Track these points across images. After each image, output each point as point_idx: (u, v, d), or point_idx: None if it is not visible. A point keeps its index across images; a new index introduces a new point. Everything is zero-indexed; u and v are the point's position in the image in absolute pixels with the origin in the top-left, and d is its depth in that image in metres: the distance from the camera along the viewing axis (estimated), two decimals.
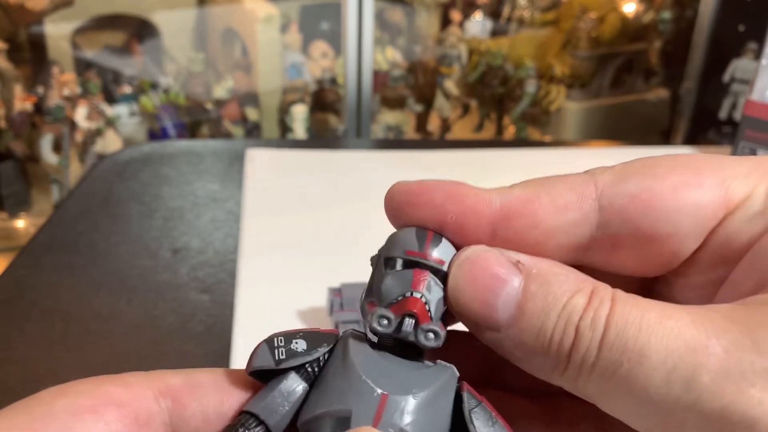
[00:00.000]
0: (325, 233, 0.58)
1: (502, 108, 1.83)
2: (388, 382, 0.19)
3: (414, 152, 0.77)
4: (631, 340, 0.16)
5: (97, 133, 1.56)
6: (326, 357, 0.20)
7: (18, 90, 1.57)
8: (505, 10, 1.85)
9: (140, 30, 1.68)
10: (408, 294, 0.20)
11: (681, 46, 1.72)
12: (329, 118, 1.72)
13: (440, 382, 0.19)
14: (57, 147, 1.58)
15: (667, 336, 0.16)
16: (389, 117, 1.77)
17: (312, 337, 0.20)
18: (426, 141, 1.59)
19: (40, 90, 1.58)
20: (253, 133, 1.74)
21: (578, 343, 0.17)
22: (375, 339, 0.20)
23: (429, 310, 0.20)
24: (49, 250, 0.58)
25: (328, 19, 1.72)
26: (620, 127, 1.80)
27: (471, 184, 0.21)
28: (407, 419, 0.18)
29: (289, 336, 0.20)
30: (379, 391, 0.18)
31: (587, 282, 0.18)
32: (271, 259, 0.54)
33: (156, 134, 1.64)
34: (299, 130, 1.69)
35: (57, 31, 1.59)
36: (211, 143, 0.96)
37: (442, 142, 1.54)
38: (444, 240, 0.21)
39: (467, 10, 1.85)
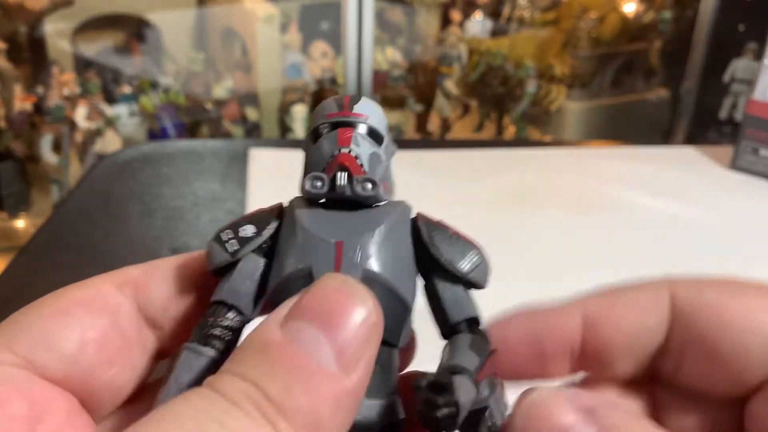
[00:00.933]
0: None
1: (503, 108, 1.82)
2: (339, 231, 0.18)
3: (414, 152, 0.77)
4: None
5: (97, 133, 1.56)
6: (277, 230, 0.19)
7: (18, 90, 1.57)
8: (506, 10, 1.85)
9: (140, 30, 1.68)
10: (336, 152, 0.19)
11: (681, 45, 1.72)
12: None
13: (393, 217, 0.19)
14: (57, 147, 1.58)
15: None
16: (389, 117, 1.75)
17: (257, 218, 0.20)
18: (426, 141, 1.59)
19: (40, 90, 1.58)
20: (253, 133, 1.73)
21: None
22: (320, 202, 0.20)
23: (361, 164, 0.19)
24: (49, 250, 0.57)
25: (328, 18, 1.72)
26: (620, 126, 1.80)
27: (541, 306, 0.20)
28: (367, 258, 0.18)
29: (235, 225, 0.20)
30: (333, 240, 0.18)
31: None
32: None
33: (156, 134, 1.64)
34: (299, 130, 1.69)
35: (57, 30, 1.59)
36: (211, 143, 0.96)
37: (442, 142, 1.54)
38: (363, 97, 0.20)
39: (467, 10, 1.84)
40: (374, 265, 0.18)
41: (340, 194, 0.19)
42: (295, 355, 0.15)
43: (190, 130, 1.68)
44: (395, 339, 0.18)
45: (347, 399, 0.15)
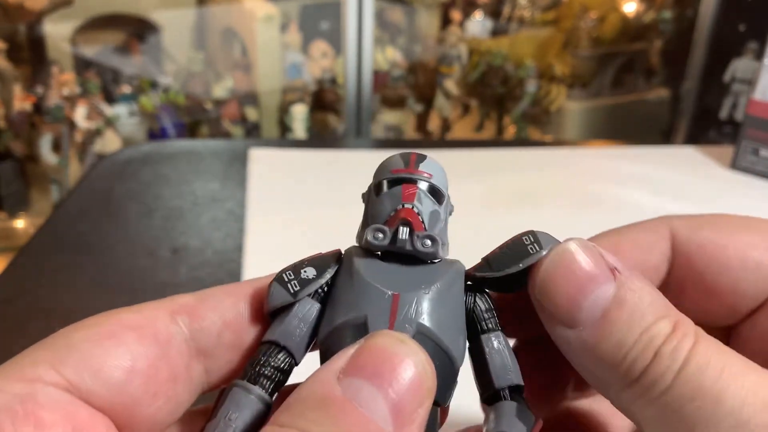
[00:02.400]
0: (329, 232, 0.58)
1: (503, 108, 1.82)
2: (397, 284, 0.19)
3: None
4: (709, 380, 0.16)
5: (97, 133, 1.56)
6: (334, 276, 0.20)
7: (17, 90, 1.56)
8: (506, 10, 1.85)
9: (140, 29, 1.67)
10: (399, 207, 0.20)
11: (682, 45, 1.72)
12: (329, 118, 1.72)
13: (449, 275, 0.19)
14: (56, 147, 1.58)
15: (746, 388, 0.16)
16: (389, 117, 1.77)
17: (318, 261, 0.20)
18: (426, 141, 1.59)
19: (40, 90, 1.58)
20: (253, 133, 1.73)
21: (654, 367, 0.17)
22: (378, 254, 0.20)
23: (423, 221, 0.20)
24: (49, 250, 0.57)
25: (328, 18, 1.72)
26: (621, 126, 1.80)
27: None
28: (422, 314, 0.18)
29: (296, 267, 0.20)
30: (390, 292, 0.18)
31: (674, 311, 0.18)
32: (275, 257, 0.54)
33: (155, 134, 1.64)
34: (299, 130, 1.69)
35: (56, 30, 1.59)
36: (211, 143, 0.96)
37: (442, 141, 1.53)
38: (428, 157, 0.21)
39: (467, 10, 1.84)
40: (428, 321, 0.18)
41: (401, 248, 0.19)
42: (357, 414, 0.15)
43: (189, 130, 1.68)
44: (442, 398, 0.18)
45: None
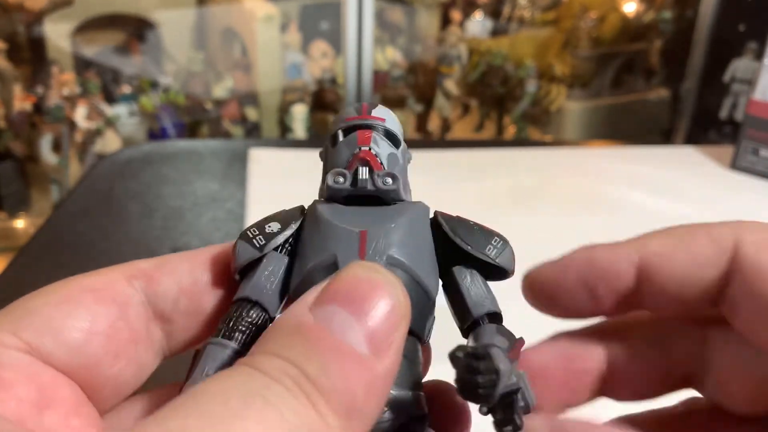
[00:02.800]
0: None
1: (503, 108, 1.82)
2: (363, 222, 0.19)
3: (414, 152, 0.76)
4: None
5: (97, 133, 1.56)
6: (300, 228, 0.20)
7: (17, 90, 1.56)
8: (506, 10, 1.85)
9: (140, 29, 1.67)
10: (356, 151, 0.20)
11: (681, 45, 1.72)
12: (329, 118, 1.72)
13: (413, 212, 0.19)
14: (56, 147, 1.58)
15: None
16: None
17: (282, 216, 0.20)
18: (426, 141, 1.59)
19: (40, 90, 1.58)
20: (253, 133, 1.73)
21: None
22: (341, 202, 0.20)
23: (381, 162, 0.20)
24: (49, 251, 0.57)
25: (327, 18, 1.72)
26: (621, 126, 1.80)
27: (602, 244, 0.20)
28: (391, 246, 0.18)
29: (260, 224, 0.20)
30: (357, 230, 0.18)
31: None
32: None
33: (155, 134, 1.64)
34: (299, 130, 1.69)
35: (56, 30, 1.59)
36: (211, 143, 0.96)
37: (442, 142, 1.53)
38: (380, 104, 0.21)
39: (467, 10, 1.84)
40: (398, 253, 0.18)
41: (362, 188, 0.19)
42: (330, 337, 0.15)
43: (189, 130, 1.68)
44: (420, 330, 0.18)
45: (380, 383, 0.15)
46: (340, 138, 0.20)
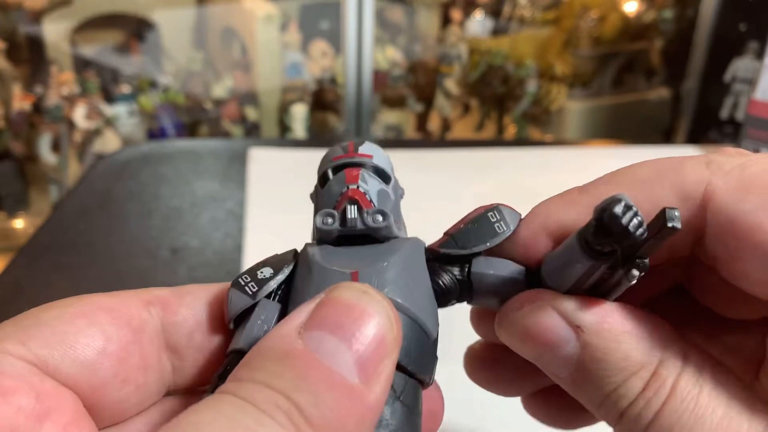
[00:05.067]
0: None
1: (503, 107, 1.82)
2: (354, 263, 0.18)
3: (414, 152, 0.76)
4: None
5: (96, 132, 1.55)
6: (293, 272, 0.19)
7: (16, 89, 1.56)
8: (506, 9, 1.84)
9: (139, 29, 1.67)
10: (344, 190, 0.19)
11: (682, 45, 1.72)
12: (329, 118, 1.72)
13: (407, 248, 0.19)
14: (56, 147, 1.57)
15: None
16: (389, 116, 1.77)
17: (274, 261, 0.20)
18: (426, 140, 1.59)
19: (39, 89, 1.57)
20: (253, 132, 1.73)
21: (623, 423, 0.17)
22: (332, 245, 0.19)
23: (370, 200, 0.19)
24: (48, 250, 0.57)
25: (327, 18, 1.72)
26: (621, 126, 1.79)
27: (555, 199, 0.20)
28: (385, 285, 0.18)
29: (252, 270, 0.19)
30: (348, 270, 0.18)
31: (655, 356, 0.17)
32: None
33: (155, 134, 1.63)
34: (299, 130, 1.69)
35: (55, 30, 1.58)
36: (211, 143, 0.95)
37: (442, 141, 1.53)
38: (367, 141, 0.21)
39: (468, 9, 1.84)
40: (392, 293, 0.17)
41: (352, 227, 0.19)
42: (320, 366, 0.14)
43: (189, 130, 1.68)
44: (420, 369, 0.17)
45: (369, 415, 0.14)
46: (330, 177, 0.20)
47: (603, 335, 0.17)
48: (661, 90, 1.85)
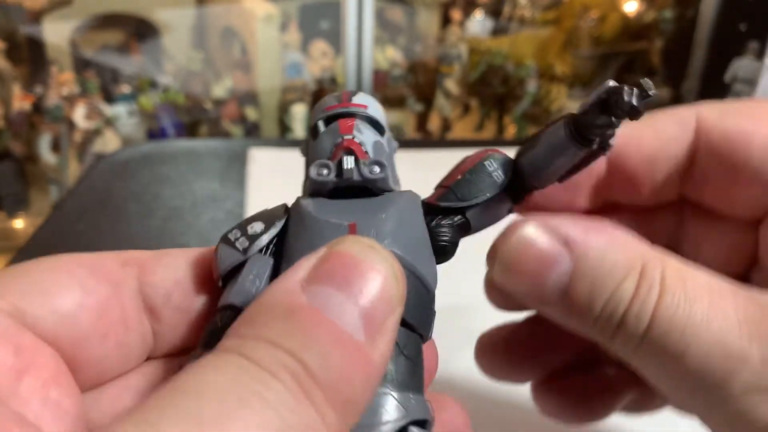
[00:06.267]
0: None
1: (503, 107, 1.82)
2: (351, 215, 0.17)
3: (414, 152, 0.76)
4: (673, 340, 0.16)
5: (96, 132, 1.55)
6: (285, 226, 0.18)
7: (16, 89, 1.56)
8: (506, 9, 1.84)
9: (139, 29, 1.67)
10: (339, 140, 0.19)
11: (682, 45, 1.72)
12: None
13: (404, 200, 0.18)
14: (55, 147, 1.57)
15: (708, 341, 0.16)
16: (389, 116, 1.76)
17: (265, 215, 0.19)
18: (426, 140, 1.59)
19: (39, 89, 1.57)
20: (253, 132, 1.73)
21: (623, 329, 0.17)
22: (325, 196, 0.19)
23: (366, 150, 0.19)
24: (48, 250, 0.57)
25: (327, 18, 1.71)
26: None
27: None
28: (384, 238, 0.17)
29: (242, 225, 0.19)
30: (345, 223, 0.17)
31: (638, 259, 0.17)
32: None
33: (155, 134, 1.63)
34: (299, 130, 1.69)
35: (55, 30, 1.58)
36: (211, 143, 0.95)
37: (442, 141, 1.53)
38: (361, 91, 0.20)
39: (468, 9, 1.84)
40: (392, 245, 0.17)
41: (348, 178, 0.18)
42: (327, 323, 0.14)
43: (189, 130, 1.68)
44: (419, 323, 0.17)
45: (375, 373, 0.14)
46: (321, 129, 0.19)
47: (592, 245, 0.18)
48: (661, 90, 1.85)
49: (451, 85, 1.80)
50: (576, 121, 0.17)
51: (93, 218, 0.62)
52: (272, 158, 0.74)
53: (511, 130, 1.83)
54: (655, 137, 0.20)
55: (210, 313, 0.19)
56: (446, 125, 1.85)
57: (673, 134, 0.20)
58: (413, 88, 1.80)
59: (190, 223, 0.61)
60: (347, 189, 0.19)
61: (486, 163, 0.19)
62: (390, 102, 1.76)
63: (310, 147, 0.20)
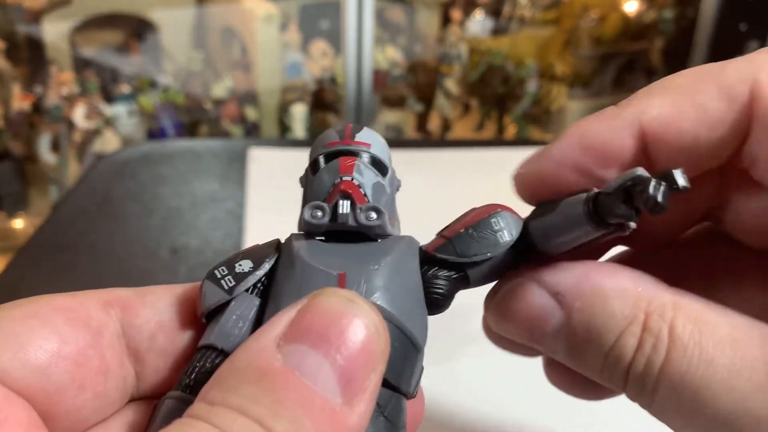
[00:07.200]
0: None
1: (503, 107, 1.82)
2: (343, 263, 0.17)
3: (414, 152, 0.76)
4: (686, 401, 0.15)
5: (96, 132, 1.55)
6: (275, 265, 0.18)
7: (16, 89, 1.56)
8: (506, 9, 1.84)
9: (139, 29, 1.67)
10: (337, 180, 0.18)
11: (683, 45, 1.72)
12: (329, 118, 1.72)
13: (400, 249, 0.18)
14: (55, 147, 1.57)
15: (729, 402, 0.14)
16: (389, 116, 1.76)
17: (254, 253, 0.18)
18: (426, 140, 1.59)
19: (39, 89, 1.57)
20: (252, 132, 1.73)
21: (630, 385, 0.16)
22: (319, 238, 0.18)
23: (365, 194, 0.18)
24: (48, 251, 0.57)
25: (327, 18, 1.71)
26: None
27: (593, 118, 0.18)
28: (373, 292, 0.16)
29: (230, 261, 0.18)
30: (335, 272, 0.16)
31: (641, 308, 0.16)
32: None
33: (155, 134, 1.63)
34: (299, 130, 1.69)
35: (55, 30, 1.58)
36: (210, 143, 0.95)
37: (442, 141, 1.53)
38: (365, 127, 0.19)
39: (468, 9, 1.84)
40: (381, 299, 0.16)
41: (343, 224, 0.17)
42: (301, 387, 0.13)
43: (189, 130, 1.67)
44: (404, 384, 0.16)
45: None
46: (321, 164, 0.18)
47: (584, 296, 0.16)
48: None
49: (451, 85, 1.80)
50: (597, 200, 0.16)
51: (93, 218, 0.62)
52: (272, 158, 0.74)
53: (511, 130, 1.83)
54: (698, 119, 0.17)
55: (194, 351, 0.18)
56: (446, 125, 1.85)
57: (720, 115, 0.17)
58: (413, 88, 1.80)
59: (189, 222, 0.61)
60: (343, 231, 0.18)
61: (493, 220, 0.18)
62: (390, 102, 1.76)
63: (308, 181, 0.19)
